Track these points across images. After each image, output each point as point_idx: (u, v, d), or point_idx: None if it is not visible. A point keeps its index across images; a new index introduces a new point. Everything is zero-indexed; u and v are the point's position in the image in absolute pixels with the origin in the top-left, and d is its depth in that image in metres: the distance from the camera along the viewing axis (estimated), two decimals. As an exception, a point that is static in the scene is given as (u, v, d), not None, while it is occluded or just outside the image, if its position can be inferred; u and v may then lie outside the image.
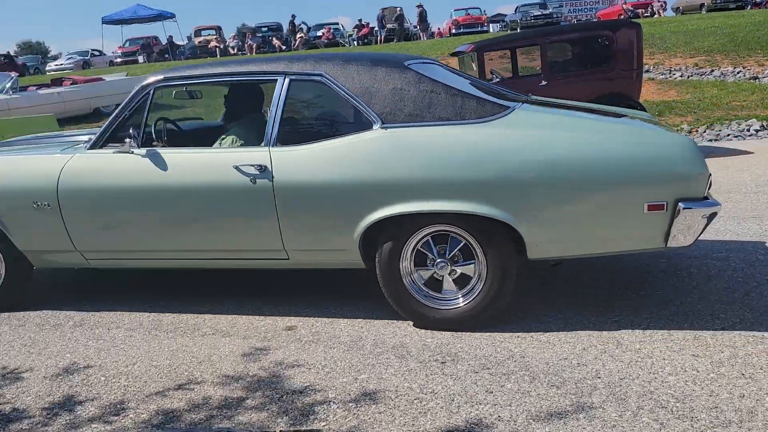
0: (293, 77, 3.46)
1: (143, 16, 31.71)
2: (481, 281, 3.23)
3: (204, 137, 4.15)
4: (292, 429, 2.47)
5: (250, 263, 3.68)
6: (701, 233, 2.98)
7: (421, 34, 27.37)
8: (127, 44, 31.96)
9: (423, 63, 3.70)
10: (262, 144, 3.40)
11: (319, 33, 28.84)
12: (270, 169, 3.31)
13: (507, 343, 3.10)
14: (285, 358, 3.12)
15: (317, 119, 4.08)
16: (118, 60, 29.88)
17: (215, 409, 2.68)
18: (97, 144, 3.72)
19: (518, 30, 23.33)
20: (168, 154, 3.56)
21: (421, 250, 3.29)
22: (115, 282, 4.55)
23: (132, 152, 3.59)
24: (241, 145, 3.70)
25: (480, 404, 2.58)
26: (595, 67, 7.93)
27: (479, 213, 3.06)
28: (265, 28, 31.01)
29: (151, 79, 3.71)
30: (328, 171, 3.22)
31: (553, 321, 3.32)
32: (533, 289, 3.77)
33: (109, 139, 3.71)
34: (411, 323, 3.41)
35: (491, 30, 28.48)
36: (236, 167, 3.37)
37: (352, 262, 3.42)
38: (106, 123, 3.75)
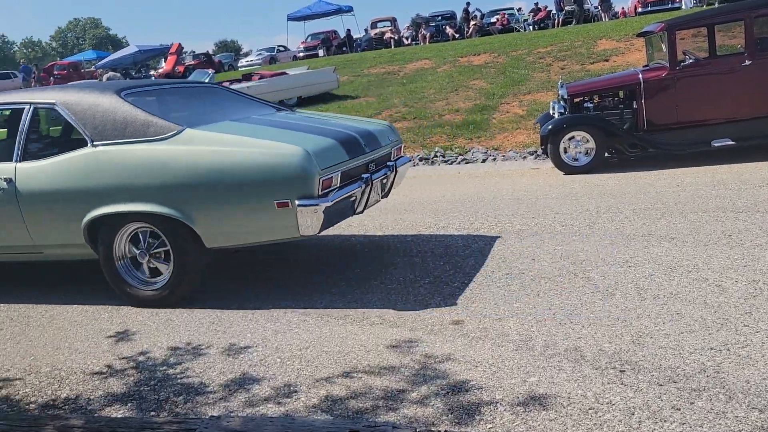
0: (36, 105, 4.40)
1: (324, 11, 33.32)
2: (169, 270, 4.04)
3: None
4: (457, 431, 2.39)
5: (16, 257, 4.62)
6: (323, 225, 3.73)
7: (602, 14, 25.83)
8: (308, 39, 33.73)
9: (141, 90, 4.50)
10: (12, 160, 4.27)
11: (494, 19, 28.32)
12: (14, 180, 4.19)
13: (697, 355, 2.78)
14: (451, 353, 3.05)
15: (52, 139, 5.04)
16: (301, 54, 31.59)
17: (380, 400, 2.69)
18: None
19: (716, 5, 21.17)
20: None
21: (134, 241, 4.11)
22: (289, 269, 4.77)
23: None
24: None
25: (665, 421, 2.32)
26: (812, 42, 6.92)
27: (158, 212, 3.87)
28: (439, 17, 31.10)
29: None
30: (54, 181, 4.09)
31: (755, 333, 2.92)
32: (730, 295, 3.36)
33: None
34: (584, 325, 3.19)
35: (683, 6, 26.10)
36: None
37: (88, 253, 4.22)
38: None
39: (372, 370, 2.96)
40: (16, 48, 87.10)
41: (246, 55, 42.92)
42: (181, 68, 29.69)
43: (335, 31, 33.96)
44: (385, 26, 31.75)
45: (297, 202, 3.62)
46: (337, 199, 3.81)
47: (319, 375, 2.97)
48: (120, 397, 2.97)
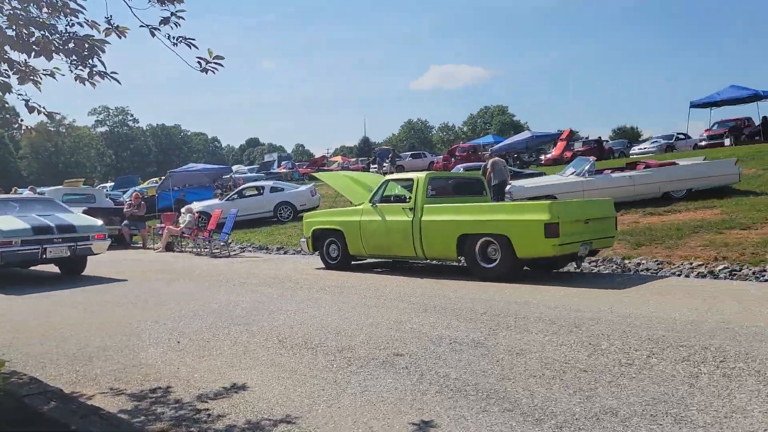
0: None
1: (735, 97, 29.76)
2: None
3: None
4: None
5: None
6: (6, 261, 9.25)
7: None
8: (714, 127, 30.58)
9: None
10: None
11: None
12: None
13: None
14: None
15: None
16: (703, 143, 28.76)
17: None
18: None
19: None
20: None
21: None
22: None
23: None
24: None
25: None
26: None
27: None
28: None
29: None
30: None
31: None
32: None
33: None
34: None
35: None
36: None
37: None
38: None
39: None
40: (434, 131, 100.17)
41: (642, 142, 40.93)
42: (569, 154, 29.85)
43: (749, 119, 30.15)
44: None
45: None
46: (13, 250, 9.14)
47: None
48: None
